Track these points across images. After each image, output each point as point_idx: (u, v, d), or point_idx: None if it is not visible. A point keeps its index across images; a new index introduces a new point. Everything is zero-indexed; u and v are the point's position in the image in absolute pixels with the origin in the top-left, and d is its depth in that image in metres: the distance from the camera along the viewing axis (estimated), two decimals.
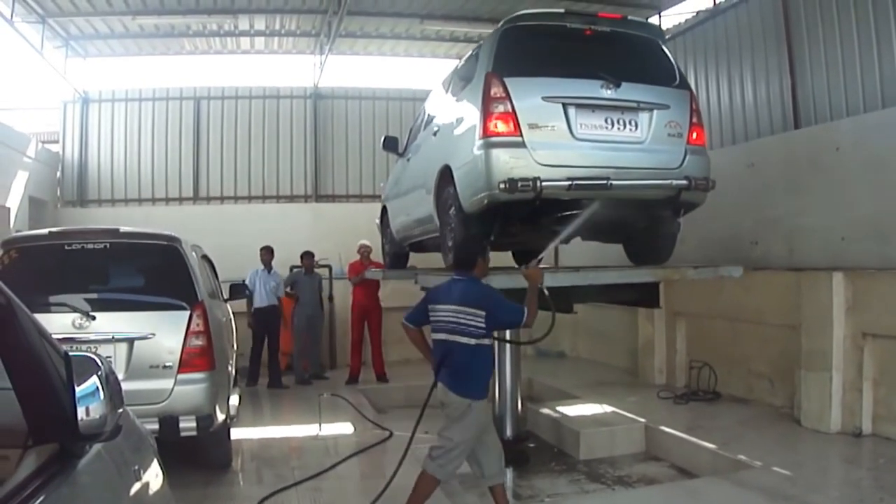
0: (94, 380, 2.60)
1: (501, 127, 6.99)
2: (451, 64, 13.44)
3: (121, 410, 2.87)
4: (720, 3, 15.31)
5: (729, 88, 14.93)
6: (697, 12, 16.14)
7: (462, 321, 6.30)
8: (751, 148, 12.91)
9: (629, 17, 8.22)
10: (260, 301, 13.86)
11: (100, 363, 2.72)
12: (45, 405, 2.48)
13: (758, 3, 14.13)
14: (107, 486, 3.03)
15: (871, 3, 11.53)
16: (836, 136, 10.82)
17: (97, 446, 2.84)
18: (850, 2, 11.92)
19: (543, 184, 6.79)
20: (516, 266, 10.38)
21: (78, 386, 2.54)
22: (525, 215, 7.48)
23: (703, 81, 15.47)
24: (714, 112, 15.08)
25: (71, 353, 2.66)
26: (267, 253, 14.17)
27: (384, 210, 11.55)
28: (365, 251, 14.35)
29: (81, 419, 2.52)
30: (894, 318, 8.90)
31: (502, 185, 6.80)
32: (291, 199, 19.22)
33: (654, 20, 16.34)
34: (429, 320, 6.62)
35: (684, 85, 7.88)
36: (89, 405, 2.55)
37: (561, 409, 11.69)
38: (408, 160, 10.08)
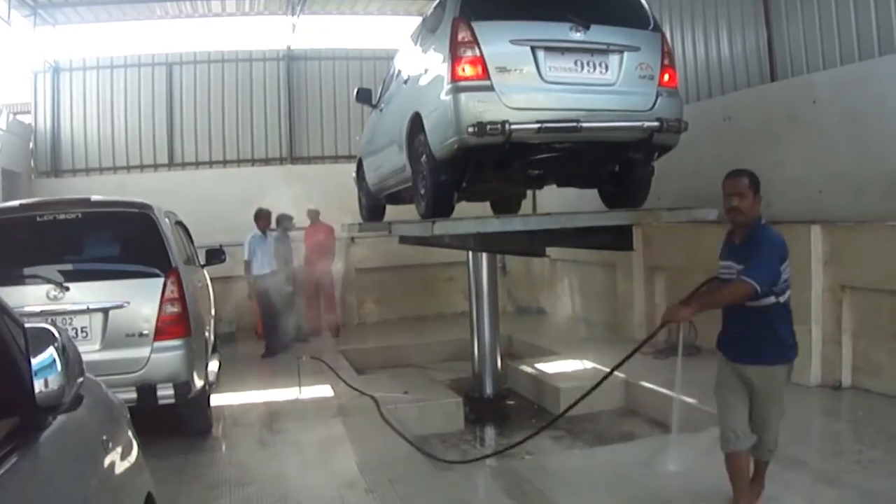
0: (50, 351, 2.57)
1: (469, 71, 6.92)
2: None
3: (81, 380, 2.83)
4: None
5: (704, 41, 14.82)
6: None
7: None
8: (727, 101, 12.86)
9: None
10: (261, 267, 13.79)
11: (56, 334, 2.68)
12: (3, 379, 2.45)
13: None
14: (73, 457, 3.00)
15: None
16: (813, 89, 10.78)
17: (61, 418, 2.81)
18: None
19: (512, 127, 6.74)
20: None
21: (34, 358, 2.50)
22: (496, 160, 7.42)
23: (679, 35, 15.34)
24: (690, 65, 14.98)
25: (27, 325, 2.61)
26: (266, 218, 14.18)
27: (360, 163, 11.49)
28: (313, 215, 15.32)
29: (39, 391, 2.49)
30: (872, 270, 8.93)
31: (471, 129, 6.74)
32: (267, 162, 19.01)
33: None
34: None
35: (655, 27, 7.80)
36: (47, 377, 2.52)
37: (540, 365, 11.75)
38: (381, 112, 10.02)
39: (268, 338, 13.94)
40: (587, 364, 11.42)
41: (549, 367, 11.64)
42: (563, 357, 12.12)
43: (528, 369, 11.60)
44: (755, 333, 5.50)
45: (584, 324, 15.19)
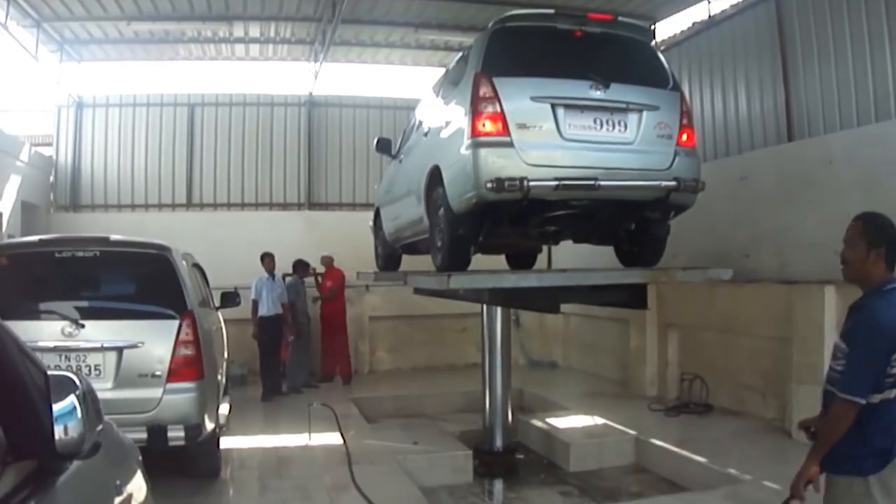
0: (71, 399, 2.59)
1: (490, 127, 6.95)
2: None
3: (100, 428, 2.85)
4: (715, 14, 15.32)
5: (723, 100, 14.93)
6: (693, 23, 16.12)
7: None
8: (744, 160, 12.93)
9: (619, 19, 8.16)
10: (267, 310, 13.91)
11: (78, 382, 2.70)
12: (23, 422, 2.47)
13: (753, 15, 14.12)
14: (87, 502, 3.01)
15: (865, 18, 11.53)
16: (830, 149, 10.83)
17: (77, 463, 2.82)
18: (845, 16, 11.92)
19: (531, 184, 6.73)
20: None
21: (55, 404, 2.52)
22: (513, 216, 7.40)
23: (698, 93, 15.47)
24: (708, 124, 15.08)
25: (49, 372, 2.64)
26: (270, 260, 14.25)
27: (377, 212, 11.53)
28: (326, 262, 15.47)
29: (59, 438, 2.50)
30: None
31: (490, 185, 6.73)
32: (284, 206, 19.16)
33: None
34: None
35: (675, 86, 7.82)
36: (67, 424, 2.54)
37: (551, 420, 11.71)
38: (400, 162, 10.07)
39: (264, 380, 13.96)
40: (598, 420, 11.38)
41: (560, 422, 11.60)
42: (574, 412, 12.08)
43: (539, 423, 11.55)
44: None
45: (596, 379, 15.17)
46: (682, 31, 16.50)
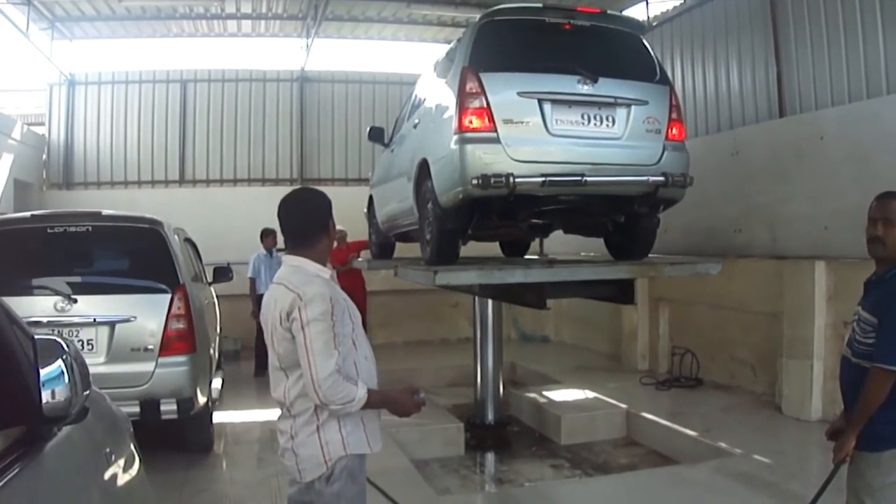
0: (58, 363, 2.60)
1: (476, 122, 6.90)
2: (438, 48, 13.46)
3: (87, 393, 2.86)
4: None
5: (715, 76, 14.90)
6: None
7: None
8: (735, 136, 12.90)
9: (609, 12, 8.12)
10: (266, 288, 13.52)
11: (65, 346, 2.71)
12: (10, 388, 2.49)
13: None
14: (76, 468, 3.04)
15: None
16: (821, 125, 10.83)
17: (66, 430, 2.84)
18: None
19: (517, 180, 6.70)
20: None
21: (42, 369, 2.54)
22: (501, 210, 7.40)
23: (689, 69, 15.43)
24: (700, 100, 15.06)
25: (36, 336, 2.66)
26: (273, 238, 13.79)
27: (371, 199, 11.55)
28: (340, 236, 14.35)
29: (46, 402, 2.52)
30: None
31: (475, 181, 6.70)
32: (277, 182, 19.05)
33: (640, 8, 16.33)
34: None
35: (664, 80, 7.75)
36: (54, 388, 2.56)
37: (543, 393, 11.77)
38: (392, 151, 10.05)
39: (258, 356, 13.82)
40: (589, 394, 11.44)
41: (552, 395, 11.65)
42: (565, 386, 12.14)
43: (531, 397, 11.61)
44: None
45: (588, 353, 15.23)
46: (674, 7, 16.43)
